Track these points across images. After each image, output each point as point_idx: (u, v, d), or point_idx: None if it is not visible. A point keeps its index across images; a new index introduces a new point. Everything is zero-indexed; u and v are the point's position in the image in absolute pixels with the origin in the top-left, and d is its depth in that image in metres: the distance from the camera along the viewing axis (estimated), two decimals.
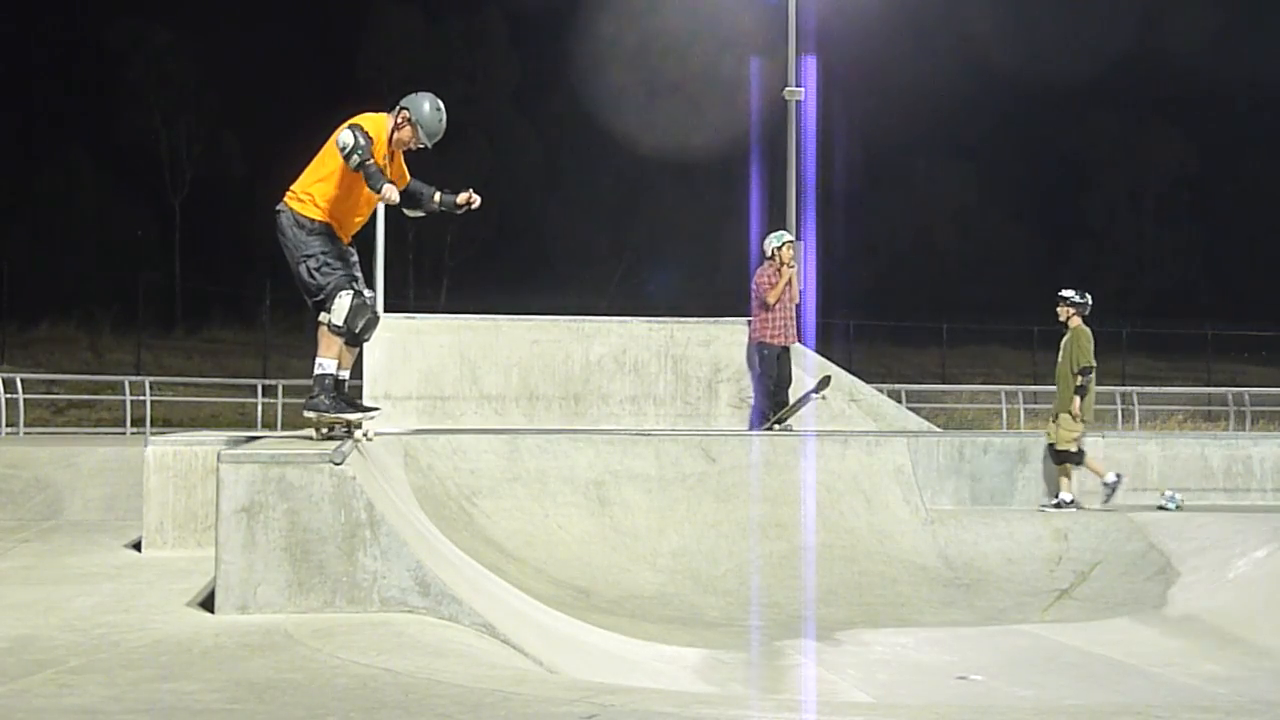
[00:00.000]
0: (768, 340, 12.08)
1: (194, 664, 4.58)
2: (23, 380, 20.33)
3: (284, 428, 21.25)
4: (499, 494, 9.72)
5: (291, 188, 7.00)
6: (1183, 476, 11.55)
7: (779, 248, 12.36)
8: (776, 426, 11.92)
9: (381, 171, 6.69)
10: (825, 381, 12.26)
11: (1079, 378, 11.15)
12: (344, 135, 6.60)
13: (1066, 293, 11.57)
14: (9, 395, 19.38)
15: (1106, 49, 51.09)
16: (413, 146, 7.19)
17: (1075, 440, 11.01)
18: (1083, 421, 11.09)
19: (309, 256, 6.93)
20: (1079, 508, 10.84)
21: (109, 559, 7.51)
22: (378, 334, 11.58)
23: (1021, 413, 26.56)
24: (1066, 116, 54.80)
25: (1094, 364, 11.26)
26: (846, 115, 40.98)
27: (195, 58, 43.49)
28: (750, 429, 11.94)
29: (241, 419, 24.14)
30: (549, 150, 48.76)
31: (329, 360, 6.97)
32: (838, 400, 12.46)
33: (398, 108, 7.14)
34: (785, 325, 12.24)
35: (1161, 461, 11.60)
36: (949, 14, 46.84)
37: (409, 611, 5.50)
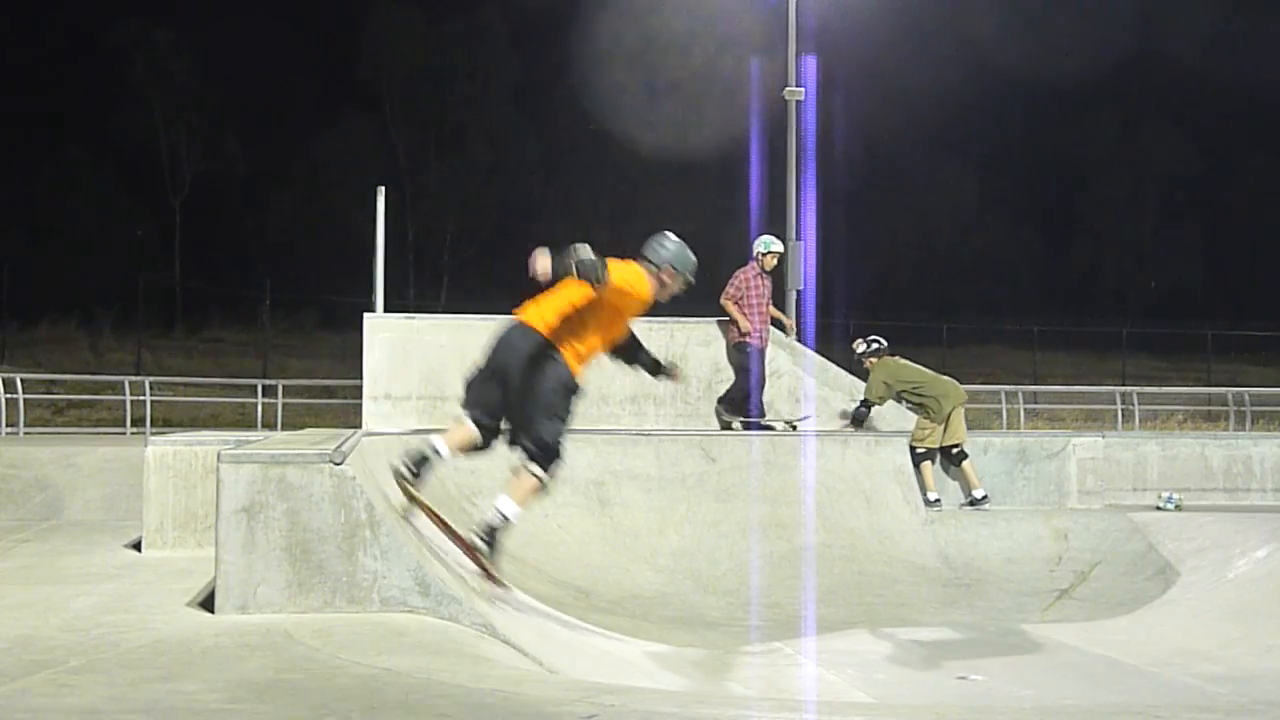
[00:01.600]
0: (752, 340, 11.98)
1: (194, 664, 4.58)
2: (23, 380, 20.34)
3: (284, 428, 21.25)
4: (499, 494, 9.71)
5: (572, 342, 6.36)
6: (1183, 476, 11.55)
7: (764, 254, 12.30)
8: (780, 426, 11.89)
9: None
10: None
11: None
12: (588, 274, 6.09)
13: (859, 348, 11.95)
14: (9, 395, 19.39)
15: (1106, 49, 51.08)
16: (680, 289, 6.80)
17: (922, 441, 11.07)
18: (932, 423, 11.16)
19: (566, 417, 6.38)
20: (940, 508, 10.85)
21: (109, 559, 7.51)
22: (378, 334, 11.68)
23: (1021, 413, 26.57)
24: (1066, 116, 54.77)
25: (875, 399, 11.58)
26: (846, 115, 40.97)
27: (195, 58, 43.54)
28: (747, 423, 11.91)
29: (241, 419, 24.15)
30: (549, 150, 48.78)
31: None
32: (838, 400, 12.46)
33: (651, 266, 6.64)
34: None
35: (1161, 461, 11.60)
36: (949, 14, 46.85)
37: (409, 611, 5.50)
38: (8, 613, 5.61)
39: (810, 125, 22.03)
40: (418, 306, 37.34)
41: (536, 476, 6.33)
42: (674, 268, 6.70)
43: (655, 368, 7.12)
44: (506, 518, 6.34)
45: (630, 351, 6.98)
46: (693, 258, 6.84)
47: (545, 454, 6.31)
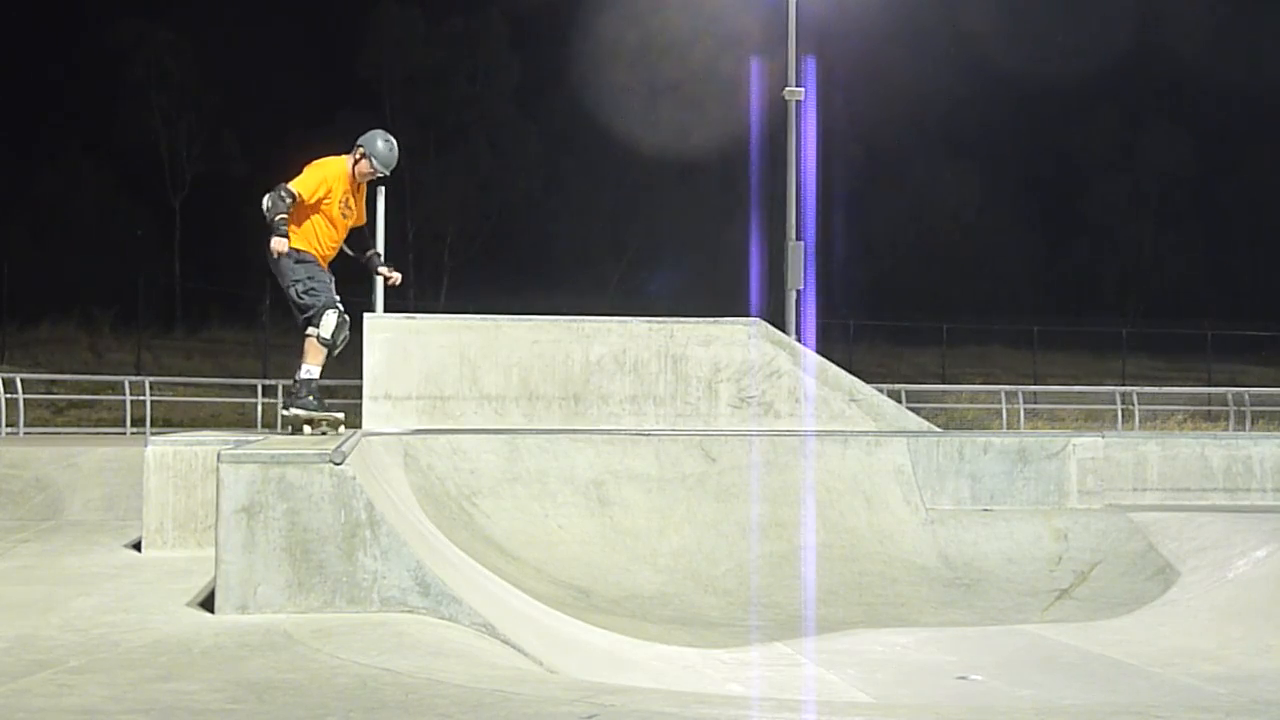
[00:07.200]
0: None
1: (194, 664, 4.58)
2: (23, 380, 20.35)
3: (284, 428, 21.23)
4: (499, 494, 9.72)
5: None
6: (1183, 476, 11.53)
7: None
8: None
9: (284, 223, 7.92)
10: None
11: None
12: (265, 201, 7.91)
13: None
14: (9, 395, 19.39)
15: (1106, 48, 51.09)
16: (375, 176, 8.59)
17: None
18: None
19: (297, 281, 8.14)
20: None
21: (109, 559, 7.51)
22: (378, 334, 11.68)
23: (1021, 413, 26.57)
24: (1066, 116, 54.78)
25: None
26: (846, 115, 41.01)
27: (195, 58, 43.55)
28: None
29: (241, 419, 24.15)
30: (549, 150, 48.77)
31: (316, 367, 8.33)
32: (838, 400, 12.45)
33: (355, 146, 8.46)
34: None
35: (1161, 461, 11.58)
36: (949, 14, 46.88)
37: (409, 611, 5.50)
38: (8, 613, 5.61)
39: (810, 125, 22.06)
40: (418, 306, 37.32)
41: (308, 335, 8.26)
42: (364, 149, 8.44)
43: (370, 258, 9.23)
44: (309, 376, 8.33)
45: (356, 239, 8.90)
46: (389, 154, 8.48)
47: (299, 311, 8.28)
